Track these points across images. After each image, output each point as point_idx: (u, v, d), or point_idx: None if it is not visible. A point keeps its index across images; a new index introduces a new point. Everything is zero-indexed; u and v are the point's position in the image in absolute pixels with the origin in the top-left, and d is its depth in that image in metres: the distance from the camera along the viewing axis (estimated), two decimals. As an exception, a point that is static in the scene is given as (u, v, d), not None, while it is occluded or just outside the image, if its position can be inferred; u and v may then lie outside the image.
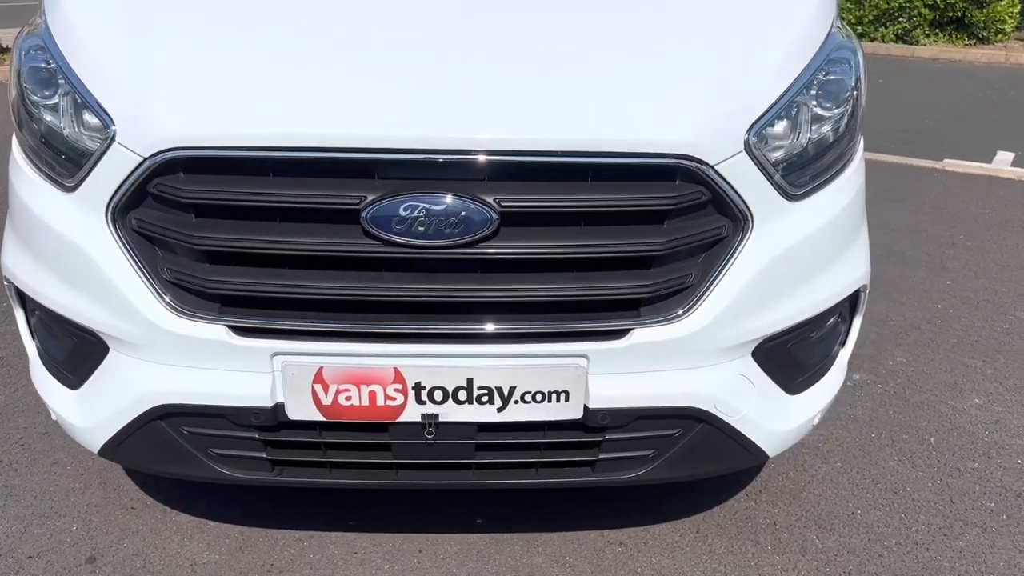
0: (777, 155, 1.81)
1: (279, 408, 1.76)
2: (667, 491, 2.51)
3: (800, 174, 1.85)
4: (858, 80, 2.02)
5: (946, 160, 6.23)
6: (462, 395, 1.74)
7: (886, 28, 12.10)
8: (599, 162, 1.65)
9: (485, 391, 1.74)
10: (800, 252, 1.83)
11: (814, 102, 1.91)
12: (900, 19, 12.02)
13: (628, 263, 1.72)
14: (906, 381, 3.19)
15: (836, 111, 1.95)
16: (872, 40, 12.06)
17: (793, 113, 1.85)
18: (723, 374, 1.83)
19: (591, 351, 1.74)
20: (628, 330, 1.74)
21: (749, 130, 1.73)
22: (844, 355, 2.17)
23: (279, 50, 1.74)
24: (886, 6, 11.99)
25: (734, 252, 1.75)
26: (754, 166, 1.74)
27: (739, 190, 1.71)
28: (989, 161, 6.29)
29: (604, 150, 1.64)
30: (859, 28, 12.09)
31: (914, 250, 4.51)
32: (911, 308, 3.81)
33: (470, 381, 1.73)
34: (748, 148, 1.72)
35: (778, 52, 1.86)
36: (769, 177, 1.76)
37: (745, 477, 2.60)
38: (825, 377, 2.09)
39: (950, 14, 11.99)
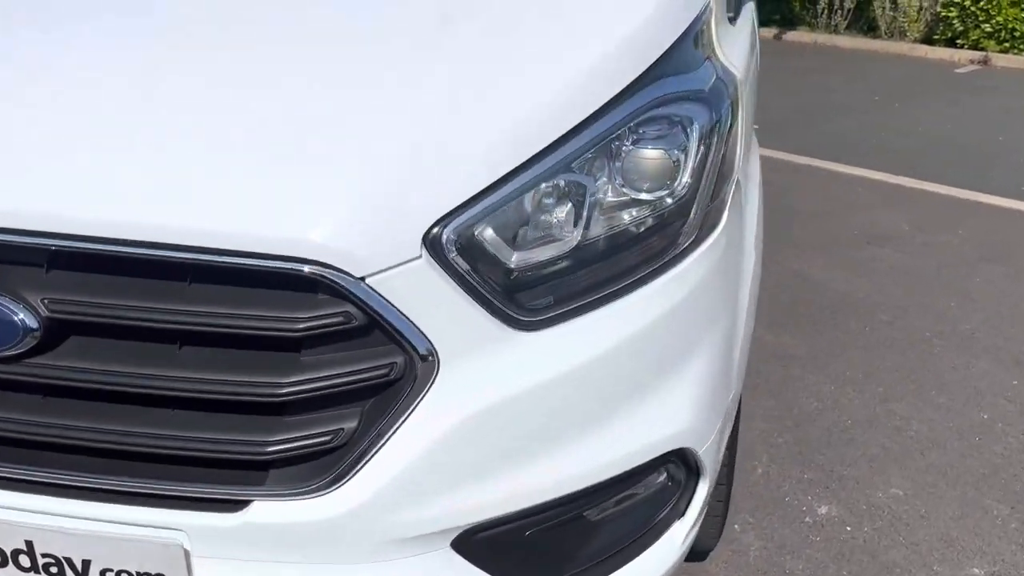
0: (514, 260, 1.22)
1: None
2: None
3: (555, 288, 1.25)
4: (717, 135, 1.40)
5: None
6: (24, 561, 1.26)
7: None
8: (200, 260, 1.11)
9: (52, 561, 1.24)
10: (537, 404, 1.23)
11: (603, 177, 1.30)
12: None
13: (248, 407, 1.17)
14: (888, 526, 2.44)
15: (655, 191, 1.33)
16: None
17: (549, 198, 1.25)
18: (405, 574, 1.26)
19: (190, 525, 1.21)
20: (246, 501, 1.20)
21: (439, 226, 1.15)
22: (679, 530, 1.53)
23: None
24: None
25: (411, 402, 1.17)
26: (446, 279, 1.16)
27: (411, 313, 1.14)
28: None
29: (208, 245, 1.11)
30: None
31: (986, 331, 3.63)
32: (948, 415, 2.99)
33: (30, 545, 1.24)
34: (435, 253, 1.15)
35: (522, 103, 1.26)
36: (476, 296, 1.18)
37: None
38: (631, 567, 1.47)
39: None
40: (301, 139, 1.18)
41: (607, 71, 1.32)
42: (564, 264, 1.27)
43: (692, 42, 1.48)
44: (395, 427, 1.17)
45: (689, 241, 1.38)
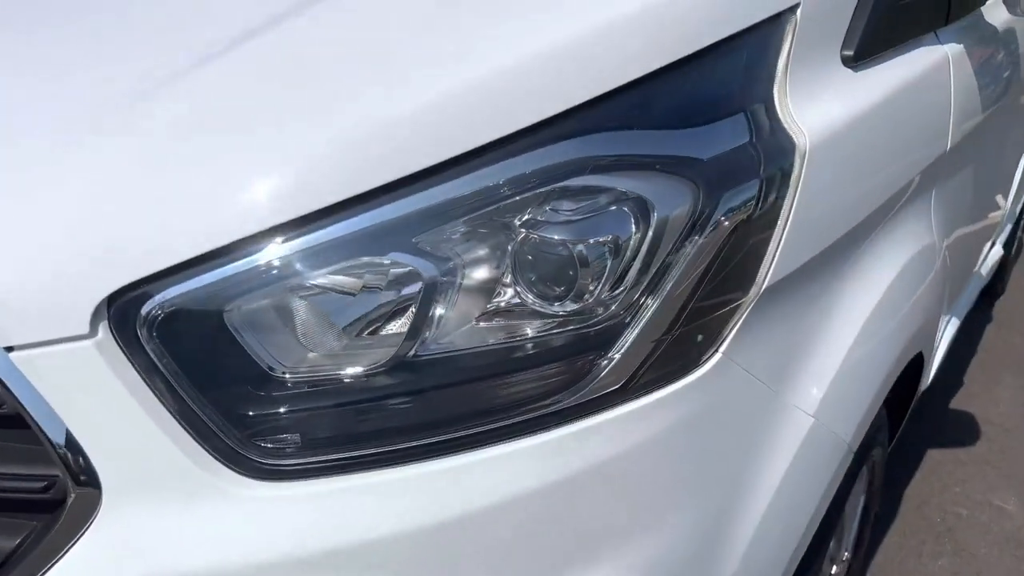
0: (284, 364, 0.81)
1: None
2: None
3: (341, 421, 0.82)
4: (713, 230, 0.89)
5: None
6: None
7: None
8: None
9: None
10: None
11: (475, 265, 0.84)
12: None
13: None
14: None
15: (553, 299, 0.84)
16: None
17: (375, 277, 0.82)
18: None
19: None
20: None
21: (133, 294, 0.77)
22: None
23: None
24: None
25: (57, 544, 0.80)
26: (129, 375, 0.78)
27: (64, 411, 0.78)
28: None
29: None
30: None
31: None
32: None
33: None
34: (121, 333, 0.78)
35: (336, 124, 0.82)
36: (182, 408, 0.79)
37: None
38: None
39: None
40: None
41: (491, 93, 0.84)
42: (372, 384, 0.83)
43: (717, 75, 0.94)
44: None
45: (608, 387, 0.86)
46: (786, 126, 0.97)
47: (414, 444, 0.83)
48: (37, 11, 1.11)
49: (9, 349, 0.78)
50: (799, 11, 1.00)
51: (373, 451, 0.83)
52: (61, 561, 0.80)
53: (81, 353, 0.77)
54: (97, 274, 0.77)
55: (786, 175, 0.95)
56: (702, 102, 0.92)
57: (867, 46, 1.11)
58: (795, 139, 0.96)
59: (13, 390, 0.78)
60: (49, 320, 0.77)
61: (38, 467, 0.81)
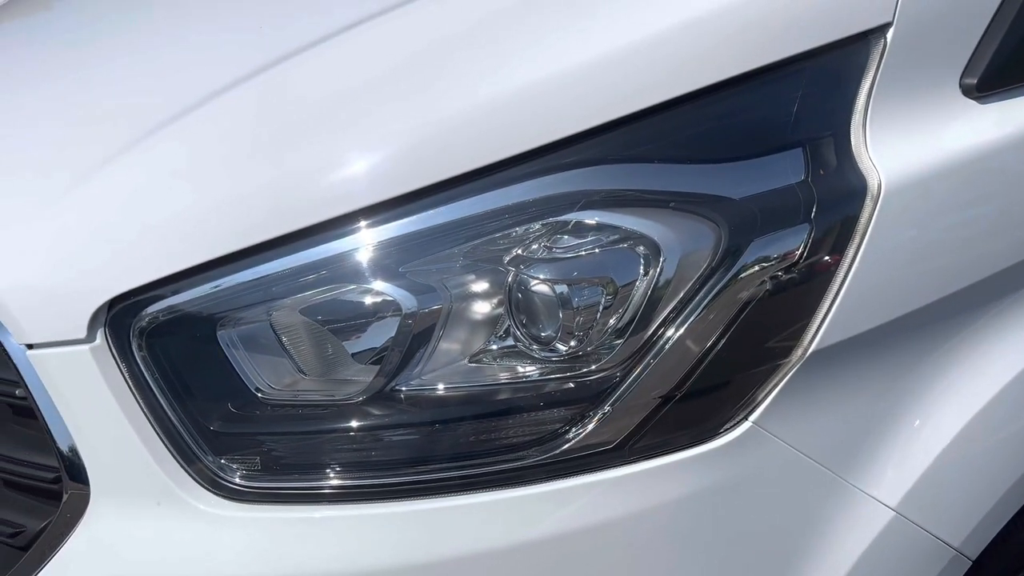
0: (269, 383, 0.81)
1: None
2: None
3: (314, 448, 0.81)
4: (737, 277, 0.79)
5: None
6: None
7: None
8: None
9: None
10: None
11: (469, 299, 0.80)
12: None
13: None
14: None
15: (540, 342, 0.78)
16: None
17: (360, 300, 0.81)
18: None
19: None
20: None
21: (128, 303, 0.80)
22: None
23: None
24: None
25: (55, 539, 0.85)
26: (120, 382, 0.81)
27: (66, 411, 0.82)
28: None
29: None
30: None
31: None
32: None
33: None
34: (116, 340, 0.81)
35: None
36: (161, 420, 0.81)
37: None
38: None
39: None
40: None
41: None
42: (348, 414, 0.81)
43: (767, 103, 0.82)
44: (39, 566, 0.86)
45: (601, 445, 0.78)
46: (858, 165, 0.82)
47: (382, 481, 0.79)
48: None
49: (30, 347, 0.84)
50: (890, 32, 0.85)
51: (341, 483, 0.80)
52: (57, 554, 0.85)
53: (80, 357, 0.81)
54: (98, 281, 0.82)
55: (849, 222, 0.81)
56: (744, 133, 0.81)
57: (997, 75, 0.92)
58: (867, 180, 0.82)
59: (28, 384, 0.84)
60: (57, 322, 0.82)
61: (49, 458, 0.87)
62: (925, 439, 0.91)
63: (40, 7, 1.61)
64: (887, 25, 0.85)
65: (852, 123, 0.83)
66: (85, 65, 1.19)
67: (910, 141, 0.85)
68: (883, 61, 0.85)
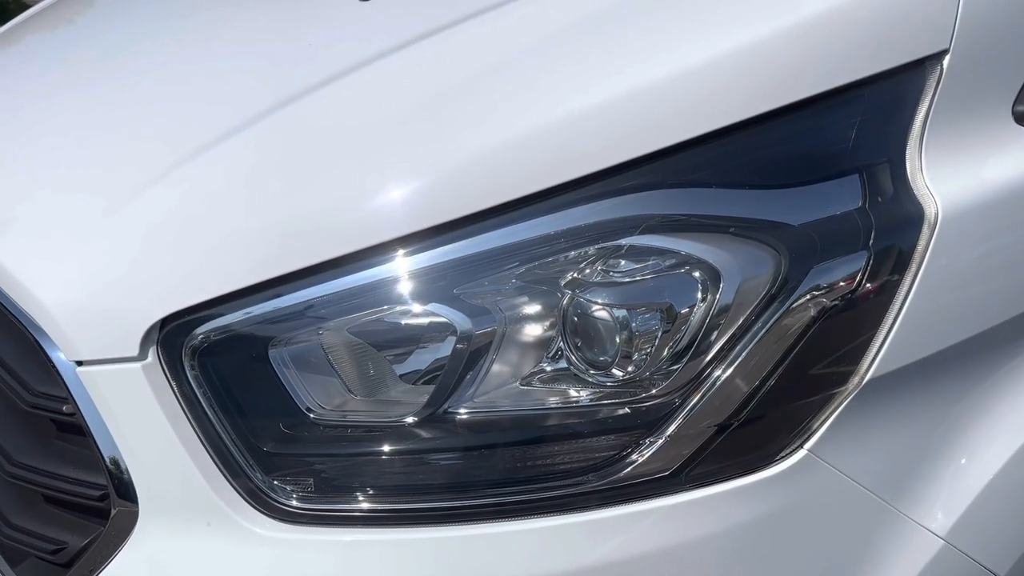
0: (320, 406, 0.81)
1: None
2: None
3: (354, 471, 0.80)
4: (794, 308, 0.78)
5: None
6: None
7: None
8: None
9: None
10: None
11: (528, 322, 0.79)
12: None
13: None
14: None
15: (594, 366, 0.78)
16: None
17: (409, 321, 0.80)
18: None
19: None
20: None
21: (180, 322, 0.80)
22: None
23: None
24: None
25: (101, 556, 0.84)
26: (173, 401, 0.80)
27: (116, 428, 0.82)
28: None
29: None
30: None
31: None
32: None
33: None
34: (168, 359, 0.80)
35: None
36: (213, 440, 0.80)
37: None
38: None
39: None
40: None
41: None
42: (400, 435, 0.80)
43: (826, 129, 0.81)
44: None
45: (656, 472, 0.77)
46: (915, 192, 0.82)
47: (433, 505, 0.79)
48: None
49: (80, 364, 0.84)
50: (947, 59, 0.85)
51: (394, 506, 0.80)
52: (103, 570, 0.84)
53: (131, 374, 0.81)
54: (151, 299, 0.81)
55: (907, 250, 0.80)
56: (801, 159, 0.81)
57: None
58: (924, 208, 0.81)
59: (77, 401, 0.84)
60: (109, 339, 0.82)
61: (95, 475, 0.86)
62: (975, 468, 0.90)
63: (62, 21, 1.61)
64: (944, 52, 0.85)
65: (908, 149, 0.83)
66: (120, 84, 1.19)
67: (964, 168, 0.85)
68: (939, 88, 0.84)
